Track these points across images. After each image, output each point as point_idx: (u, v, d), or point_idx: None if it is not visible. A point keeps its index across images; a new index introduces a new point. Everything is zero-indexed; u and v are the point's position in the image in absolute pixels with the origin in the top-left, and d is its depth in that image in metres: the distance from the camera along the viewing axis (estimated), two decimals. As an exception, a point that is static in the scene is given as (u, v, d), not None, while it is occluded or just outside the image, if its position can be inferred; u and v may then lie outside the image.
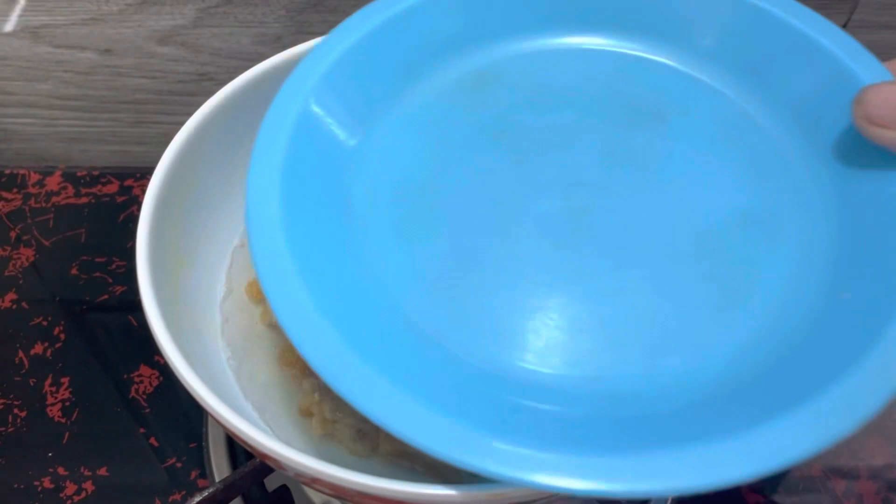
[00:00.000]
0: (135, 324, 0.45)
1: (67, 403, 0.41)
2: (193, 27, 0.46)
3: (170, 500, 0.38)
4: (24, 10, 0.45)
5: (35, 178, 0.52)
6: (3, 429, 0.40)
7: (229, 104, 0.34)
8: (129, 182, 0.52)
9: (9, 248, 0.48)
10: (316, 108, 0.29)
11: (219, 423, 0.26)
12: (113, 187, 0.52)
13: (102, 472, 0.39)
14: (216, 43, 0.47)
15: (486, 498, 0.23)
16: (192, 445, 0.40)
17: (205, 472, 0.39)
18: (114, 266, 0.47)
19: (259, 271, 0.24)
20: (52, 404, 0.41)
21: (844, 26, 0.45)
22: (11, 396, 0.42)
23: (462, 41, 0.32)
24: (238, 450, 0.39)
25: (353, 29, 0.30)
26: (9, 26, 0.46)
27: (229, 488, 0.33)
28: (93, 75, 0.49)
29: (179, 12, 0.45)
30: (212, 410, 0.25)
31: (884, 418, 0.41)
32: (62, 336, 0.44)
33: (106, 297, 0.46)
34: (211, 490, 0.33)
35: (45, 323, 0.45)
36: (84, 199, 0.51)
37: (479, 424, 0.21)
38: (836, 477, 0.39)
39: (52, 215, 0.50)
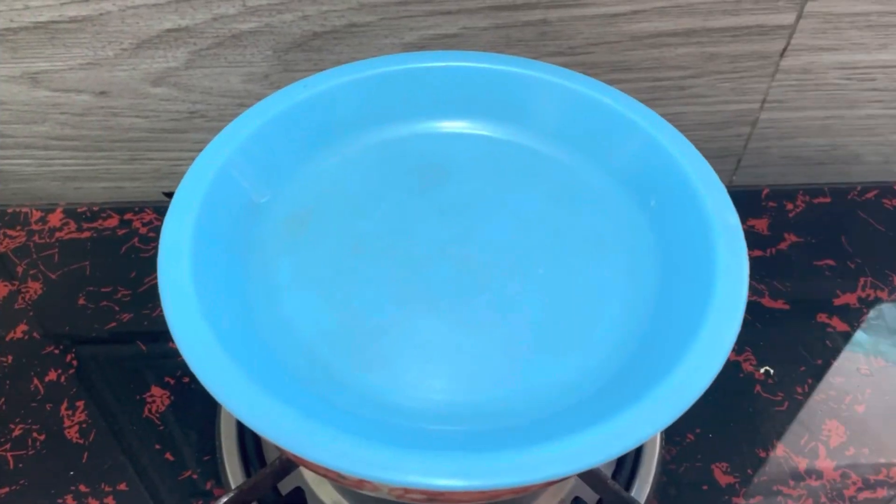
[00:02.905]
0: (143, 348, 0.47)
1: (84, 425, 0.43)
2: (185, 69, 0.48)
3: (188, 509, 0.40)
4: (24, 57, 0.47)
5: (37, 215, 0.55)
6: (23, 452, 0.42)
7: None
8: (128, 216, 0.54)
9: (17, 283, 0.51)
10: (231, 172, 0.34)
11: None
12: (113, 221, 0.54)
13: (122, 486, 0.41)
14: (207, 83, 0.49)
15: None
16: (206, 458, 0.42)
17: (220, 482, 0.41)
18: (119, 295, 0.49)
19: (170, 321, 0.28)
20: (70, 427, 0.43)
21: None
22: (30, 421, 0.44)
23: (360, 123, 0.38)
24: (251, 458, 0.41)
25: (270, 107, 0.36)
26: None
27: (247, 492, 0.36)
28: (88, 116, 0.51)
29: (172, 55, 0.47)
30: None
31: (838, 402, 0.44)
32: (74, 362, 0.46)
33: (114, 324, 0.48)
34: (229, 495, 0.35)
35: (56, 351, 0.47)
36: (86, 234, 0.53)
37: (346, 433, 0.25)
38: (798, 456, 0.42)
39: (56, 250, 0.52)
